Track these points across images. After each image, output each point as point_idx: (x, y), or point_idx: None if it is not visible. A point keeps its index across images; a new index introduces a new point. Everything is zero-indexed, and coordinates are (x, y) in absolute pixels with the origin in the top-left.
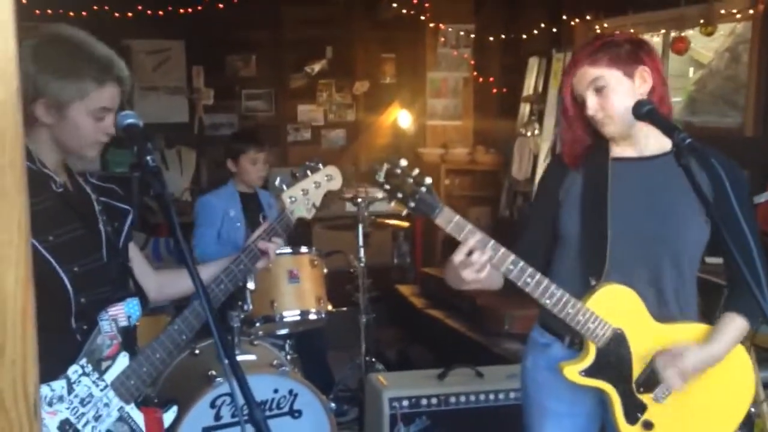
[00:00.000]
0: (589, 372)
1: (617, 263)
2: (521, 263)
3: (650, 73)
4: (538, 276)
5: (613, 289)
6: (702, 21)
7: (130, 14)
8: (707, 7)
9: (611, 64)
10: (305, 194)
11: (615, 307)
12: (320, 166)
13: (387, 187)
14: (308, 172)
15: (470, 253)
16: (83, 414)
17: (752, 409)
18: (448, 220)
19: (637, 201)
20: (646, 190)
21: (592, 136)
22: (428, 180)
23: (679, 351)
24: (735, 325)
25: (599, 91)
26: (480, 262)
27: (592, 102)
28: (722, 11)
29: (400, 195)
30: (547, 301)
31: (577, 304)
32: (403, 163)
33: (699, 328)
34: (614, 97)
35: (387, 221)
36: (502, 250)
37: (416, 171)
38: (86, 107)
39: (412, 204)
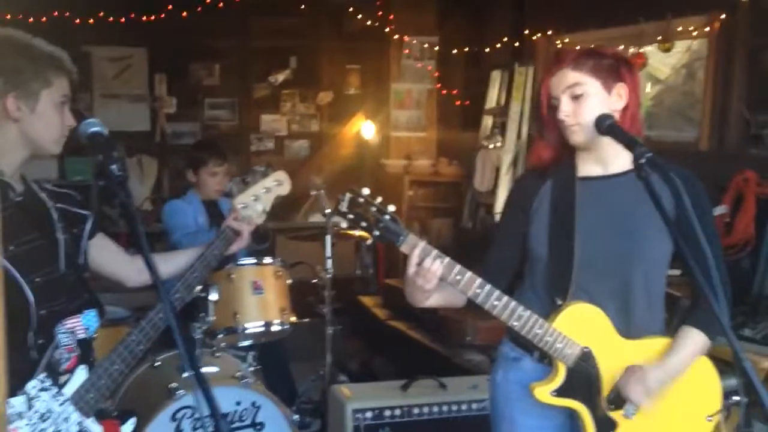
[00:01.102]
0: (559, 392)
1: (584, 282)
2: (488, 286)
3: (627, 92)
4: (504, 299)
5: (579, 308)
6: (660, 38)
7: (91, 20)
8: (665, 24)
9: (592, 73)
10: (256, 200)
11: (582, 326)
12: (269, 171)
13: (351, 216)
14: (258, 178)
15: (419, 262)
16: (43, 430)
17: (709, 419)
18: (412, 246)
19: (605, 219)
20: (613, 208)
21: (561, 142)
22: (391, 207)
23: (641, 370)
24: (691, 339)
25: (575, 98)
26: (431, 268)
27: (566, 106)
28: (679, 28)
29: (364, 224)
30: (515, 324)
31: (544, 325)
32: (366, 191)
33: (665, 342)
34: (588, 107)
35: (350, 232)
36: (468, 274)
37: (379, 199)
38: (52, 96)
39: (377, 233)
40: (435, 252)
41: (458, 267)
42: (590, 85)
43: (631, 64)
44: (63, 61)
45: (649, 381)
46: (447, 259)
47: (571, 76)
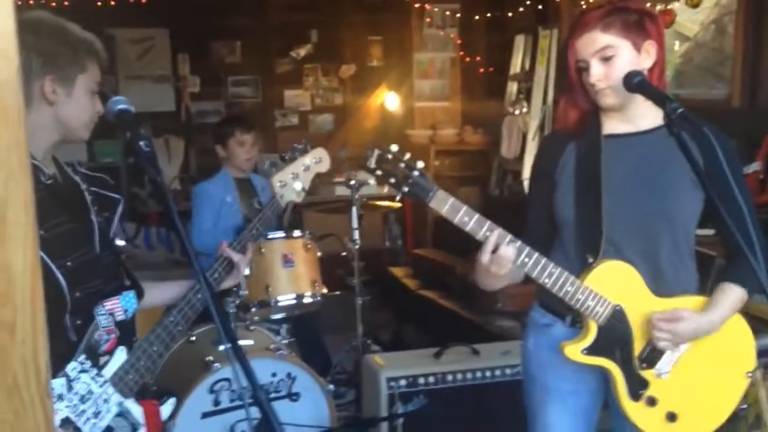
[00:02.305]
0: (590, 350)
1: (614, 240)
2: (518, 242)
3: (656, 49)
4: (536, 255)
5: (611, 266)
6: None
7: (113, 2)
8: None
9: (622, 33)
10: (295, 178)
11: (613, 284)
12: (308, 148)
13: (379, 173)
14: (297, 155)
15: (495, 249)
16: (83, 411)
17: (749, 376)
18: (443, 202)
19: (632, 177)
20: (640, 165)
21: (589, 103)
22: (420, 164)
23: (677, 314)
24: (731, 294)
25: (606, 60)
26: (507, 255)
27: (597, 70)
28: None
29: (392, 180)
30: (546, 281)
31: (575, 282)
32: (394, 148)
33: (698, 301)
34: (619, 68)
35: (378, 203)
36: (498, 230)
37: (407, 155)
38: (87, 82)
39: (405, 188)
40: (465, 208)
41: (488, 222)
42: (621, 46)
43: (656, 17)
44: (96, 46)
45: (681, 327)
46: (477, 215)
47: (600, 38)
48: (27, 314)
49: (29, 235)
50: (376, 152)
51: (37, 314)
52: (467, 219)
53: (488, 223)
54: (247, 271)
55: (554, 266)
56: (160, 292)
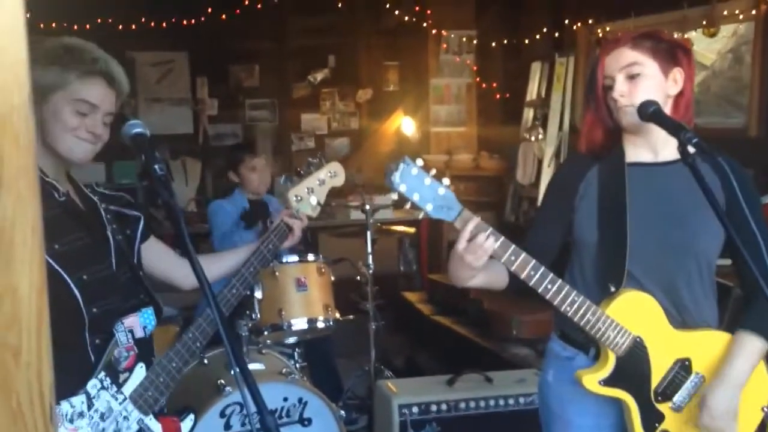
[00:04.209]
0: (608, 381)
1: (635, 270)
2: (542, 269)
3: (683, 78)
4: (558, 283)
5: (633, 296)
6: (704, 22)
7: (134, 26)
8: (710, 8)
9: (651, 54)
10: (310, 192)
11: (634, 315)
12: (323, 162)
13: (402, 188)
14: (312, 170)
15: (471, 238)
16: (104, 429)
17: (765, 410)
18: (467, 222)
19: (655, 207)
20: (664, 196)
21: (613, 122)
22: (446, 180)
23: (704, 403)
24: (751, 347)
25: (632, 77)
26: (483, 245)
27: (621, 86)
28: (725, 12)
29: (416, 197)
30: (568, 309)
31: (597, 311)
32: (420, 162)
33: (718, 336)
34: (644, 88)
35: (393, 228)
36: (523, 255)
37: (433, 171)
38: (67, 98)
39: (429, 207)
40: (490, 229)
41: (513, 247)
42: (647, 65)
43: (689, 50)
44: (97, 62)
45: (716, 407)
46: (502, 238)
47: (628, 54)
48: (32, 338)
49: (36, 259)
50: (401, 165)
51: (43, 338)
52: (492, 240)
53: (513, 246)
54: (260, 294)
55: (576, 294)
56: (219, 266)
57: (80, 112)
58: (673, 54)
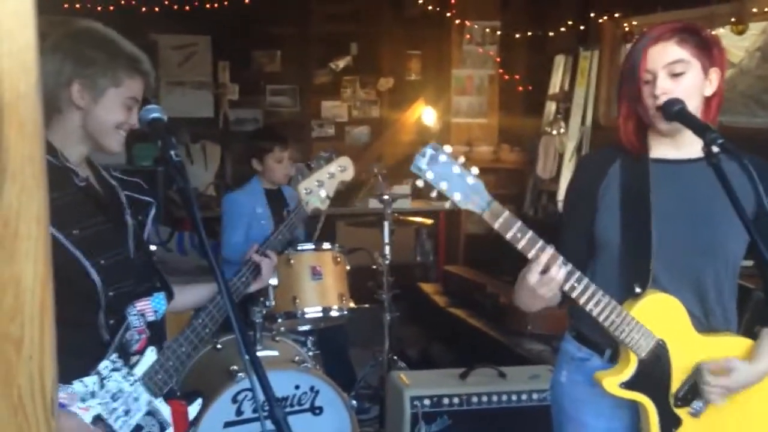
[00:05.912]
0: (629, 384)
1: (660, 271)
2: (569, 266)
3: (718, 77)
4: (585, 281)
5: (659, 298)
6: (733, 19)
7: (157, 9)
8: (739, 4)
9: (695, 52)
10: (320, 185)
11: (659, 317)
12: (333, 156)
13: (429, 175)
14: (322, 163)
15: (545, 270)
16: (114, 409)
17: None
18: (496, 216)
19: (679, 207)
20: (688, 194)
21: (647, 117)
22: (475, 170)
23: (728, 366)
24: None
25: (675, 75)
26: (558, 278)
27: (664, 83)
28: (754, 9)
29: (443, 185)
30: (593, 308)
31: (622, 312)
32: (448, 149)
33: (741, 342)
34: (686, 87)
35: (410, 218)
36: (551, 250)
37: (461, 159)
38: (120, 95)
39: (457, 196)
40: (519, 224)
41: (541, 242)
42: (692, 65)
43: (722, 46)
44: (142, 65)
45: (734, 380)
46: (531, 233)
47: (675, 51)
48: (35, 330)
49: (41, 250)
50: (429, 151)
51: (46, 331)
52: (520, 236)
53: (540, 242)
54: (275, 281)
55: (602, 294)
56: (190, 295)
57: (128, 108)
58: (711, 52)
